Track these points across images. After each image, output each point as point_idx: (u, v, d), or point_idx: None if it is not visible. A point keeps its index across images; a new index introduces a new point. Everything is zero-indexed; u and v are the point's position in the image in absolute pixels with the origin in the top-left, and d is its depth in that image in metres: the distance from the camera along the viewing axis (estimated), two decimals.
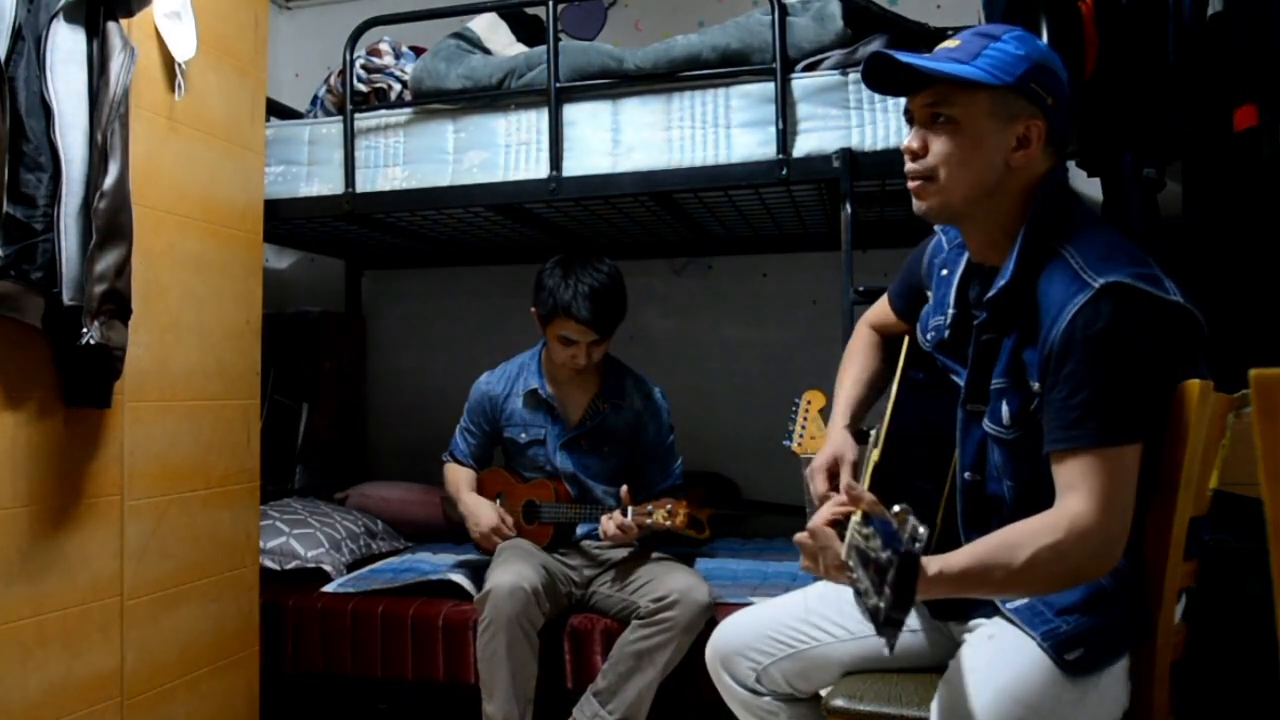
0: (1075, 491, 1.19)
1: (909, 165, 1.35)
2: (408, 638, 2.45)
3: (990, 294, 1.32)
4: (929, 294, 1.52)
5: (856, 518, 1.12)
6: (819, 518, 1.18)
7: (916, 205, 1.36)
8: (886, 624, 0.99)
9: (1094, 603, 1.26)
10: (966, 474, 1.38)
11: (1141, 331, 1.20)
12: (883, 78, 1.36)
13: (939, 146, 1.30)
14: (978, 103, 1.28)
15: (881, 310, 1.70)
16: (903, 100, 2.05)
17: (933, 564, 1.13)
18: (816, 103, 2.28)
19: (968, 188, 1.30)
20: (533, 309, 2.39)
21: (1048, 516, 1.20)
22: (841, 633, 1.52)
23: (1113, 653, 1.26)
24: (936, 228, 1.52)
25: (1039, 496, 1.25)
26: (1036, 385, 1.26)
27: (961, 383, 1.39)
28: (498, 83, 2.52)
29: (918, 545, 0.98)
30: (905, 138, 1.37)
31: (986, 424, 1.34)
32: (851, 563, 1.08)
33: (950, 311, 1.43)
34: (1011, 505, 1.33)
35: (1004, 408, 1.31)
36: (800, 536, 1.20)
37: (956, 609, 1.44)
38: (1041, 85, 1.28)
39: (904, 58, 1.30)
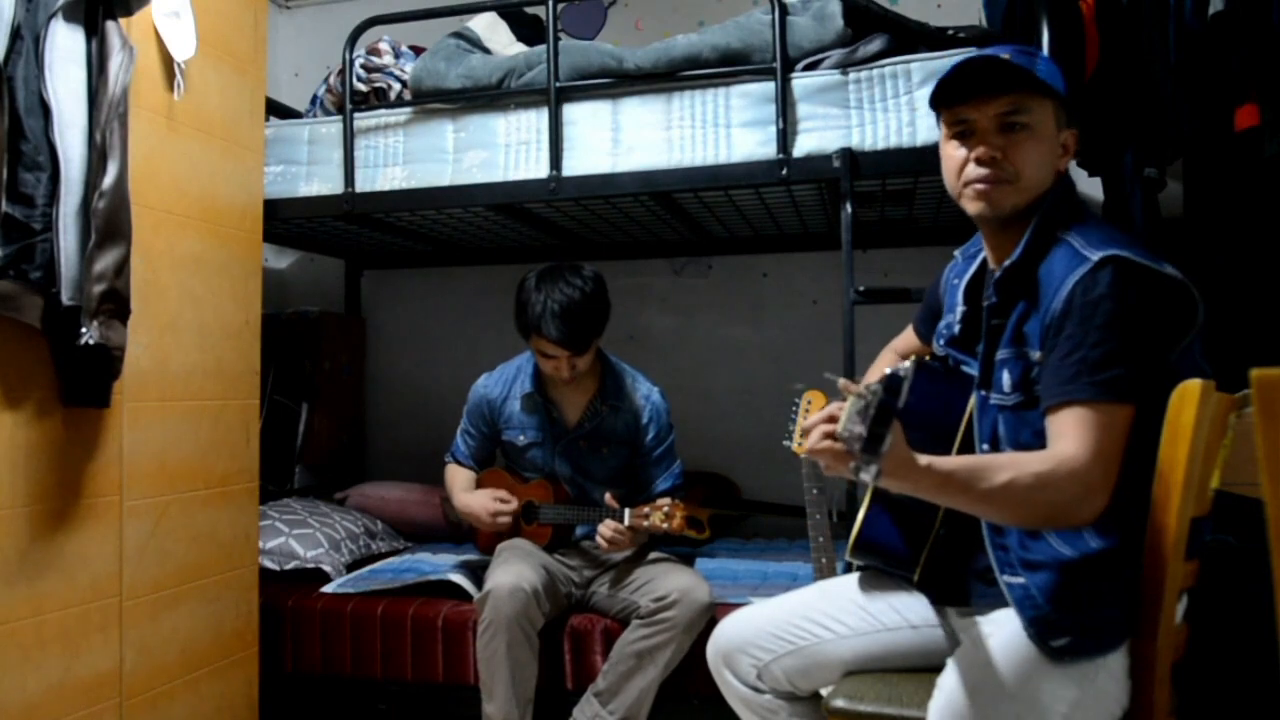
0: (1065, 439, 1.25)
1: (986, 171, 1.38)
2: (407, 638, 2.45)
3: (998, 276, 1.40)
4: (945, 310, 1.60)
5: (852, 396, 1.13)
6: (818, 416, 1.20)
7: (983, 208, 1.40)
8: (870, 441, 1.03)
9: (1084, 593, 1.27)
10: (985, 446, 1.42)
11: (1136, 298, 1.26)
12: (957, 88, 1.40)
13: (1024, 151, 1.37)
14: (1048, 110, 1.39)
15: (906, 337, 1.79)
16: (903, 103, 2.09)
17: (923, 458, 1.18)
18: (817, 102, 2.28)
19: (1038, 188, 1.39)
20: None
21: (1039, 452, 1.27)
22: (843, 629, 1.53)
23: (1101, 645, 1.27)
24: (956, 251, 1.62)
25: None
26: (1037, 354, 1.32)
27: (974, 372, 1.44)
28: (497, 82, 2.51)
29: (904, 372, 1.02)
30: (955, 146, 1.42)
31: (992, 396, 1.39)
32: (844, 429, 1.09)
33: (960, 309, 1.50)
34: None
35: (1005, 375, 1.37)
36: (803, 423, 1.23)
37: (955, 593, 1.47)
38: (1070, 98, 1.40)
39: (1016, 59, 1.35)
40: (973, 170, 1.39)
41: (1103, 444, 1.23)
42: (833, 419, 1.15)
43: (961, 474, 1.22)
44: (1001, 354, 1.38)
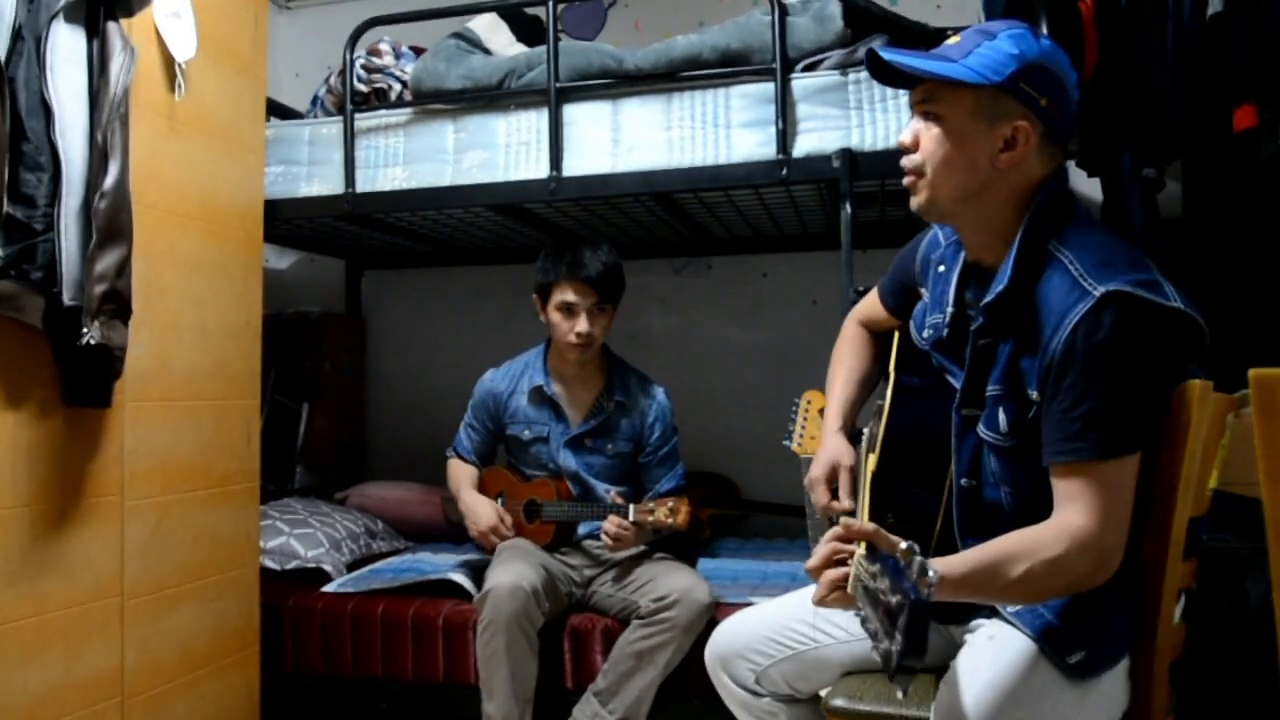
0: (1075, 504, 1.19)
1: (904, 161, 1.35)
2: (408, 638, 2.45)
3: (987, 299, 1.31)
4: (923, 290, 1.51)
5: (861, 550, 1.10)
6: (819, 557, 1.16)
7: (911, 200, 1.36)
8: (899, 671, 0.97)
9: (1094, 606, 1.25)
10: (963, 480, 1.38)
11: (1143, 342, 1.19)
12: (884, 73, 1.36)
13: (926, 143, 1.31)
14: (962, 101, 1.27)
15: (871, 306, 1.69)
16: (903, 103, 2.07)
17: (935, 565, 1.12)
18: (816, 103, 2.28)
19: (952, 186, 1.30)
20: (534, 295, 2.41)
21: (1048, 529, 1.20)
22: (841, 634, 1.52)
23: (1112, 655, 1.26)
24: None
25: (1037, 503, 1.25)
26: (1034, 394, 1.25)
27: (957, 385, 1.38)
28: (498, 83, 2.52)
29: (928, 591, 0.95)
30: (904, 132, 1.37)
31: (983, 431, 1.34)
32: (859, 599, 1.06)
33: (949, 310, 1.41)
34: (1009, 512, 1.33)
35: (1001, 415, 1.30)
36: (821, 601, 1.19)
37: (957, 613, 1.44)
38: (1033, 85, 1.26)
39: (888, 55, 1.31)
40: (902, 160, 1.36)
41: (1114, 505, 1.18)
42: (840, 560, 1.12)
43: (976, 576, 1.17)
44: (994, 389, 1.31)
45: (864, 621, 1.05)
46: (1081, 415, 1.19)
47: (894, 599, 0.96)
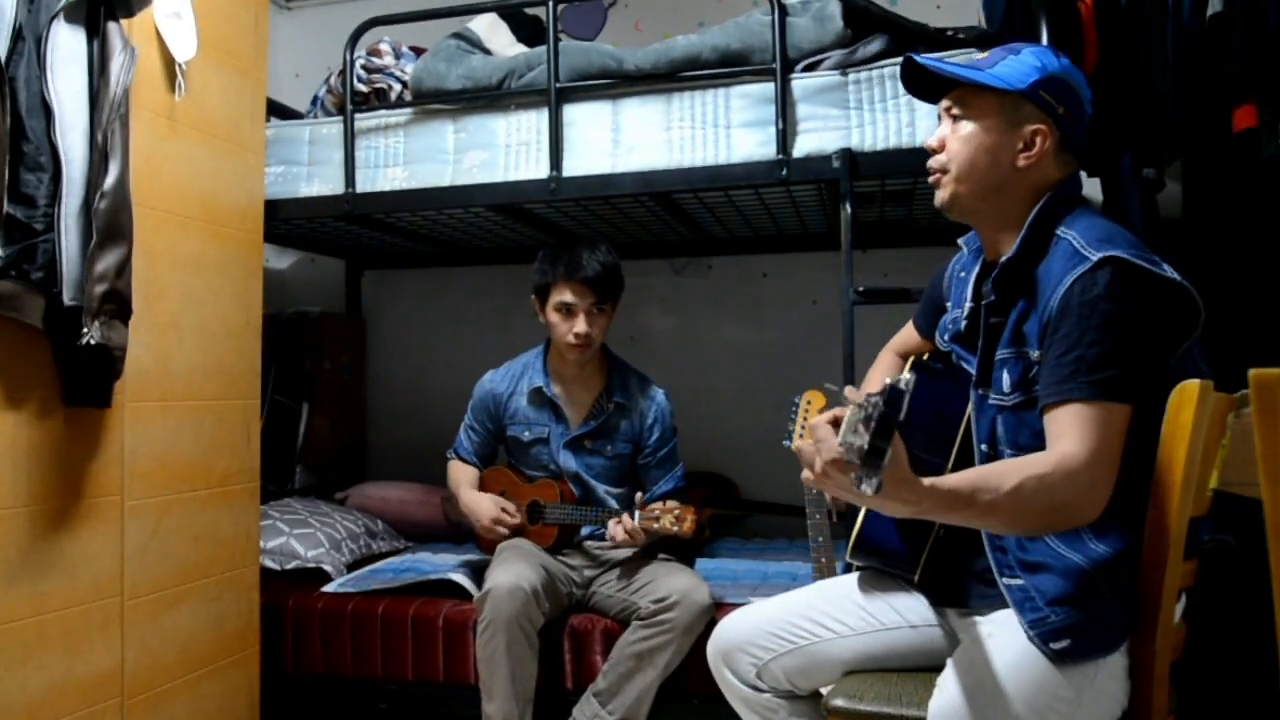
0: (1065, 439, 1.25)
1: (930, 161, 1.48)
2: (408, 638, 2.45)
3: (996, 272, 1.40)
4: (948, 305, 1.59)
5: (853, 405, 1.13)
6: (822, 417, 1.20)
7: (935, 197, 1.49)
8: (870, 454, 1.01)
9: (1085, 596, 1.27)
10: (984, 446, 1.42)
11: (1135, 299, 1.26)
12: (916, 83, 1.51)
13: (953, 144, 1.44)
14: (988, 105, 1.40)
15: (905, 335, 1.78)
16: (903, 103, 2.12)
17: (926, 480, 1.16)
18: (816, 103, 2.28)
19: (975, 182, 1.42)
20: (532, 296, 2.41)
21: (1038, 454, 1.27)
22: (843, 629, 1.53)
23: (1102, 646, 1.27)
24: (960, 240, 1.61)
25: None
26: (1036, 354, 1.32)
27: (973, 370, 1.44)
28: (498, 83, 2.52)
29: (905, 387, 1.01)
30: (931, 136, 1.50)
31: (991, 396, 1.39)
32: (844, 441, 1.08)
33: (967, 305, 1.49)
34: None
35: (1005, 375, 1.37)
36: (800, 442, 1.20)
37: (955, 594, 1.47)
38: (1052, 94, 1.38)
39: (923, 60, 1.44)
40: (929, 160, 1.48)
41: (1101, 442, 1.23)
42: (836, 421, 1.15)
43: (965, 489, 1.19)
44: (1001, 353, 1.38)
45: (846, 453, 1.07)
46: (1072, 360, 1.26)
47: (870, 401, 1.02)
